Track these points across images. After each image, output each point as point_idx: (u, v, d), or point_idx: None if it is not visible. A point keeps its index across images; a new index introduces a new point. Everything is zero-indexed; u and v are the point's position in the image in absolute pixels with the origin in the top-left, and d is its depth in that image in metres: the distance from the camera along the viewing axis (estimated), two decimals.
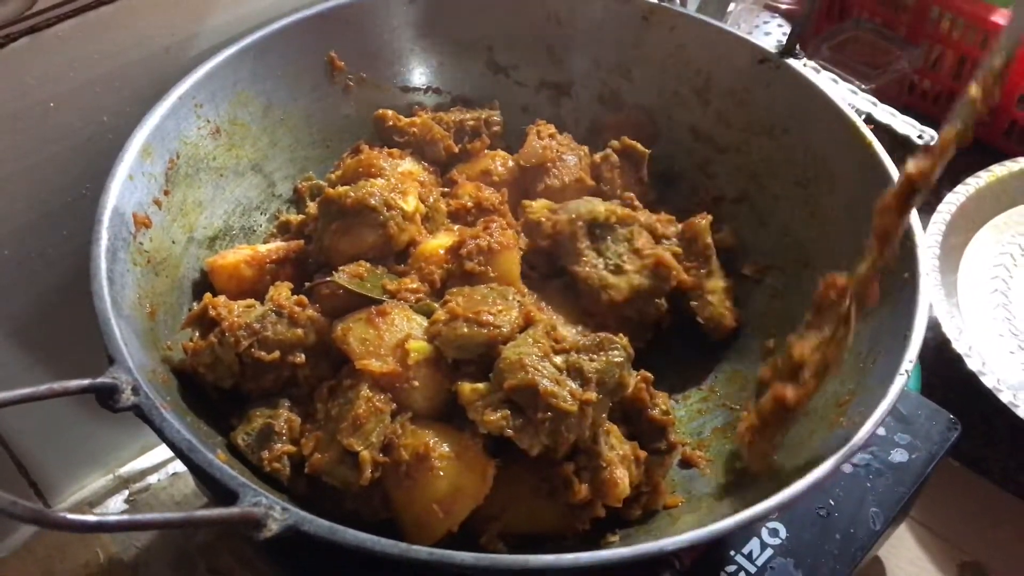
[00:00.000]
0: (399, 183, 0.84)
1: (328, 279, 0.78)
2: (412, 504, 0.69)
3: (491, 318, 0.72)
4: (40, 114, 0.82)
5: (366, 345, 0.72)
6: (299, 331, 0.75)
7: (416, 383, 0.72)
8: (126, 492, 1.11)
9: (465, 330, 0.72)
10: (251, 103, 0.93)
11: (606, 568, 0.59)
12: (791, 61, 0.93)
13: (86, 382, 0.61)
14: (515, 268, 0.82)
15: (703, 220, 0.91)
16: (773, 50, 0.94)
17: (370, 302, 0.76)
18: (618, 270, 0.85)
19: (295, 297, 0.77)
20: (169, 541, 1.06)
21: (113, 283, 0.71)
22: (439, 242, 0.85)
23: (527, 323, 0.74)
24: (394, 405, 0.72)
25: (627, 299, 0.85)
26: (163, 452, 1.14)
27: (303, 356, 0.75)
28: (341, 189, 0.82)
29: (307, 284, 0.80)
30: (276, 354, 0.74)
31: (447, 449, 0.69)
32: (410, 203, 0.83)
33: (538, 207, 0.89)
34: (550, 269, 0.88)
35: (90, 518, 0.49)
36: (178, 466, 1.14)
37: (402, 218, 0.82)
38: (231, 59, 0.90)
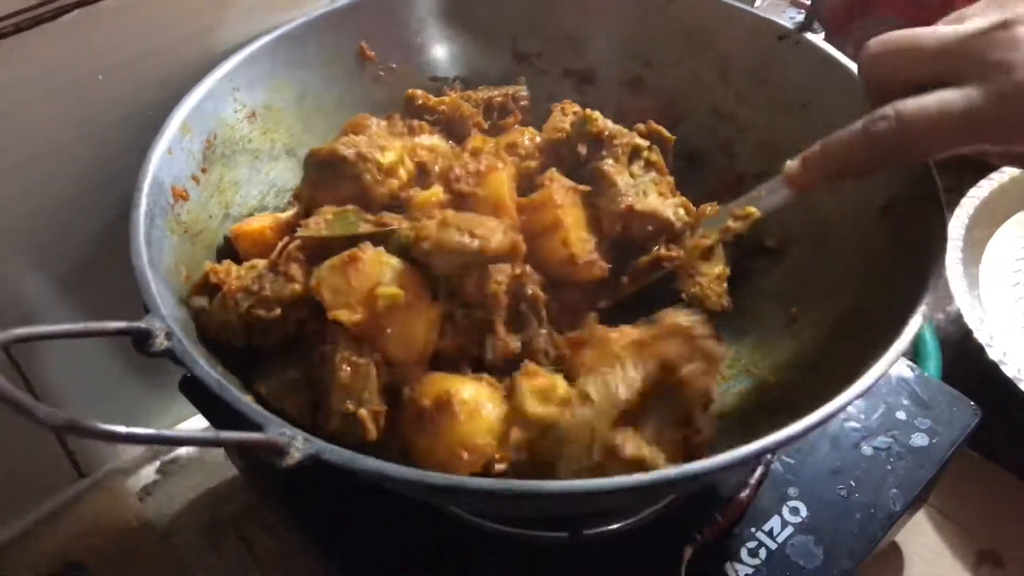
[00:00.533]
0: (379, 139, 0.85)
1: (297, 231, 0.78)
2: (436, 450, 0.70)
3: (484, 232, 0.73)
4: (90, 85, 0.85)
5: (337, 295, 0.71)
6: (295, 286, 0.75)
7: (389, 331, 0.71)
8: (157, 463, 1.14)
9: (456, 238, 0.72)
10: (286, 90, 0.97)
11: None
12: (809, 35, 0.94)
13: (123, 324, 0.64)
14: (504, 188, 0.82)
15: (710, 207, 0.92)
16: (791, 26, 0.95)
17: (345, 246, 0.75)
18: (643, 193, 0.86)
19: (288, 250, 0.77)
20: (200, 511, 1.08)
21: (150, 245, 0.74)
22: (433, 191, 0.85)
23: (513, 250, 0.75)
24: (378, 356, 0.72)
25: (644, 213, 0.85)
26: (193, 424, 1.16)
27: (305, 311, 0.75)
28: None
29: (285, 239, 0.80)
30: (277, 311, 0.75)
31: (469, 394, 0.70)
32: (387, 156, 0.83)
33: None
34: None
35: (120, 429, 0.52)
36: None
37: (378, 170, 0.82)
38: (268, 46, 0.94)
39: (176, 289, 0.76)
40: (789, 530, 0.86)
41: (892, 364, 0.65)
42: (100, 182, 0.91)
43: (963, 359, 1.10)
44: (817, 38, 0.94)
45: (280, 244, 0.80)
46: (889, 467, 0.90)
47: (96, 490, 1.07)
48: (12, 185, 0.85)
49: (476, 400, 0.70)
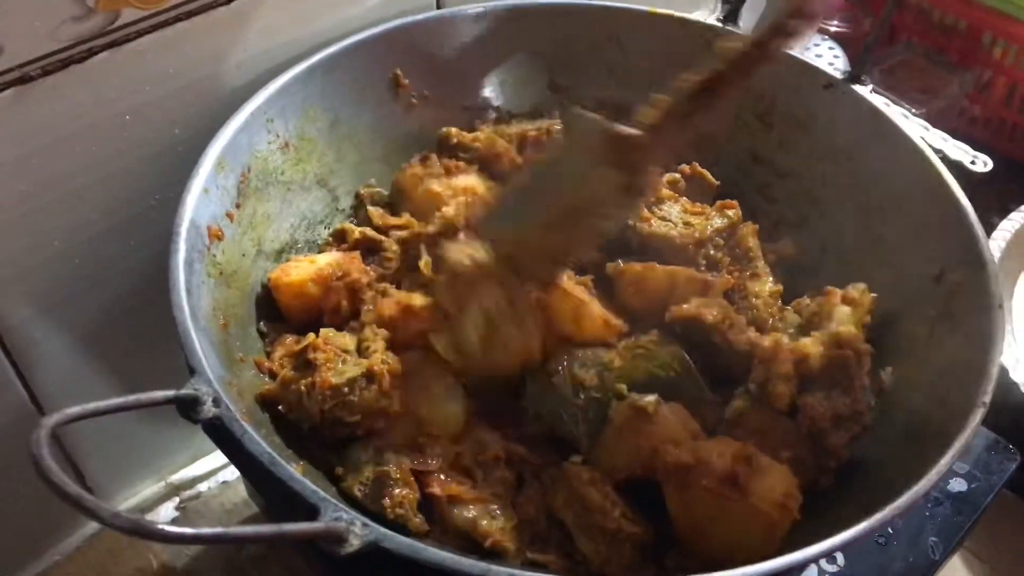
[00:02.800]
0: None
1: None
2: None
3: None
4: (118, 126, 0.83)
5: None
6: (384, 402, 0.75)
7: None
8: (177, 499, 1.12)
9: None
10: (319, 119, 0.94)
11: None
12: (856, 87, 0.93)
13: (171, 393, 0.62)
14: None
15: (747, 226, 0.92)
16: (839, 75, 0.94)
17: None
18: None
19: (387, 364, 0.76)
20: (220, 551, 1.06)
21: (191, 294, 0.72)
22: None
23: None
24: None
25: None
26: (213, 461, 1.15)
27: (383, 423, 0.75)
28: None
29: None
30: (357, 417, 0.75)
31: None
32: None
33: None
34: None
35: (188, 530, 0.50)
36: (228, 475, 1.15)
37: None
38: (301, 75, 0.91)
39: (216, 340, 0.74)
40: None
41: (953, 462, 0.65)
42: (125, 223, 0.89)
43: (997, 396, 1.09)
44: (864, 89, 0.92)
45: (379, 339, 0.79)
46: (927, 514, 0.90)
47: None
48: (39, 229, 0.83)
49: None
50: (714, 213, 0.93)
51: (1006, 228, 1.23)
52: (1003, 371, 1.07)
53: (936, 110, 1.48)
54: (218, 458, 1.14)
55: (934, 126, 1.37)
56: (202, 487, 1.14)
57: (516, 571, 0.58)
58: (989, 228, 1.24)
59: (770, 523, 0.68)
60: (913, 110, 1.44)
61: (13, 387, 0.89)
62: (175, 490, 1.13)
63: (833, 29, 1.55)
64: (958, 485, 0.92)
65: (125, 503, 1.08)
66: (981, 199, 1.45)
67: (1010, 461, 0.94)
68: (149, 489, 1.12)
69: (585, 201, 0.76)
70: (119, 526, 0.48)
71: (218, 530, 0.52)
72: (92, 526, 1.07)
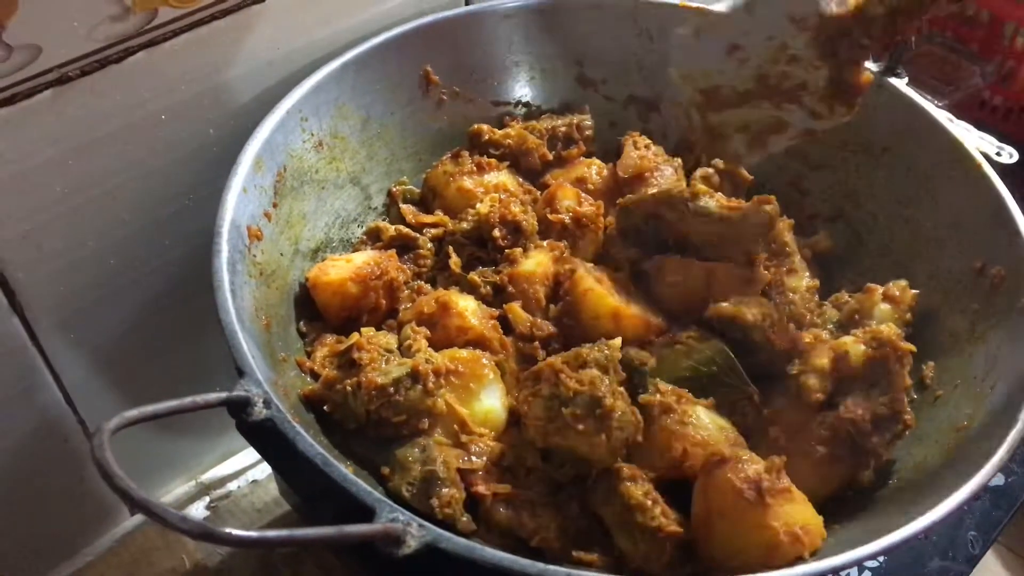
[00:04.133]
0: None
1: None
2: None
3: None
4: (153, 125, 0.83)
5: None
6: (429, 401, 0.75)
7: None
8: (207, 499, 1.12)
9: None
10: (351, 116, 0.94)
11: None
12: (893, 80, 0.92)
13: (223, 396, 0.62)
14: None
15: (782, 221, 0.92)
16: (875, 68, 0.93)
17: None
18: None
19: (431, 363, 0.76)
20: (252, 551, 1.06)
21: (235, 295, 0.72)
22: (536, 261, 0.87)
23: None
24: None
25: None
26: (243, 459, 1.15)
27: (427, 423, 0.75)
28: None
29: None
30: (403, 417, 0.74)
31: None
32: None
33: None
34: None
35: (253, 534, 0.49)
36: (258, 473, 1.14)
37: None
38: (334, 73, 0.91)
39: (260, 341, 0.74)
40: (867, 575, 0.86)
41: (1007, 457, 0.64)
42: (159, 222, 0.89)
43: None
44: (900, 82, 0.92)
45: (420, 338, 0.79)
46: (966, 507, 0.89)
47: (148, 528, 1.04)
48: (76, 228, 0.83)
49: None
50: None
51: None
52: None
53: (958, 101, 1.47)
54: (247, 457, 1.14)
55: (956, 117, 1.38)
56: (232, 486, 1.14)
57: (573, 571, 0.57)
58: None
59: (774, 544, 0.66)
60: (936, 101, 1.44)
61: (49, 388, 0.89)
62: (205, 489, 1.13)
63: None
64: (995, 479, 0.92)
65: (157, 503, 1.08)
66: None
67: None
68: (180, 488, 1.12)
69: (786, 80, 0.74)
70: (187, 530, 0.48)
71: (284, 533, 0.51)
72: (124, 526, 1.07)
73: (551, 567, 0.58)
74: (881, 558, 0.87)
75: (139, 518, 1.07)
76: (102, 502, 1.04)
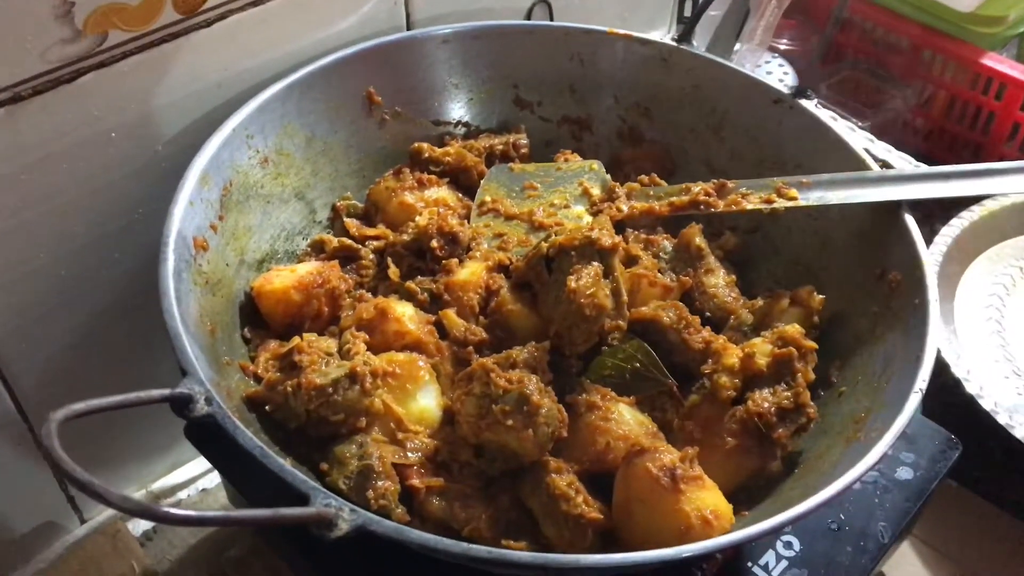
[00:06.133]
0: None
1: None
2: None
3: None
4: (104, 143, 0.87)
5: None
6: (366, 401, 0.79)
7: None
8: None
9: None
10: (296, 135, 0.99)
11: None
12: (803, 101, 0.99)
13: (166, 392, 0.66)
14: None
15: (692, 227, 0.99)
16: (786, 91, 1.00)
17: None
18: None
19: (369, 365, 0.80)
20: (202, 556, 1.09)
21: (180, 302, 0.76)
22: (470, 271, 0.91)
23: None
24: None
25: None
26: (192, 469, 1.17)
27: (365, 421, 0.79)
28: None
29: None
30: (341, 416, 0.78)
31: None
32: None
33: None
34: None
35: (193, 513, 0.54)
36: (207, 482, 1.17)
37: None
38: (280, 94, 0.95)
39: (204, 345, 0.78)
40: (784, 564, 0.90)
41: (892, 442, 0.70)
42: (110, 235, 0.92)
43: (942, 393, 1.15)
44: (810, 104, 0.99)
45: (359, 342, 0.83)
46: (877, 500, 0.95)
47: (97, 535, 1.06)
48: (26, 242, 0.86)
49: None
50: (663, 239, 1.00)
51: (946, 234, 1.30)
52: (946, 367, 1.14)
53: (881, 123, 1.56)
54: (197, 466, 1.17)
55: (879, 138, 1.46)
56: (182, 495, 1.17)
57: (494, 550, 0.62)
58: (932, 235, 1.32)
59: (687, 527, 0.71)
60: (859, 123, 1.52)
61: (0, 397, 0.92)
62: (156, 498, 1.15)
63: (783, 47, 1.63)
64: (905, 473, 0.98)
65: (107, 512, 1.10)
66: (924, 206, 1.53)
67: (953, 451, 1.00)
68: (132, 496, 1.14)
69: None
70: (128, 509, 0.52)
71: (220, 513, 0.56)
72: (75, 534, 1.09)
73: (474, 546, 0.62)
74: (797, 548, 0.92)
75: (89, 526, 1.10)
76: (53, 510, 1.06)
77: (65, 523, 1.08)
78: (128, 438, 1.08)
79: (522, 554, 0.62)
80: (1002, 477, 1.16)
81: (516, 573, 0.64)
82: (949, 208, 1.35)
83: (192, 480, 1.18)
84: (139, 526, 1.11)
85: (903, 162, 1.42)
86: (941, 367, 1.14)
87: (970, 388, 1.10)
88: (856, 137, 1.39)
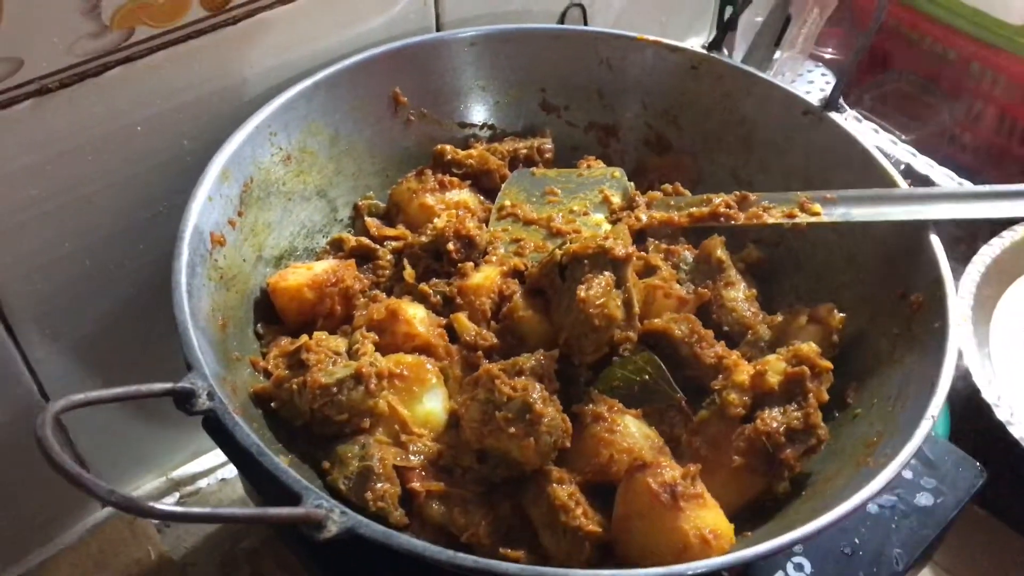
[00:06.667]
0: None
1: None
2: None
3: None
4: (129, 136, 0.89)
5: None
6: (371, 402, 0.79)
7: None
8: (177, 494, 1.17)
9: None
10: (320, 133, 0.99)
11: None
12: (833, 114, 0.97)
13: (168, 386, 0.67)
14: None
15: (713, 239, 0.97)
16: (817, 103, 0.98)
17: None
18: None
19: (375, 366, 0.80)
20: (216, 544, 1.11)
21: (191, 295, 0.77)
22: (484, 275, 0.91)
23: None
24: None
25: None
26: (213, 458, 1.19)
27: (369, 422, 0.79)
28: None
29: None
30: (345, 416, 0.79)
31: None
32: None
33: None
34: None
35: (176, 508, 0.54)
36: (227, 472, 1.19)
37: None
38: (305, 92, 0.96)
39: (214, 340, 0.79)
40: None
41: (899, 470, 0.68)
42: (134, 228, 0.94)
43: (971, 416, 1.12)
44: (839, 117, 0.97)
45: (367, 342, 0.83)
46: (894, 525, 0.92)
47: (116, 520, 1.09)
48: (51, 231, 0.88)
49: None
50: (684, 250, 0.98)
51: (986, 254, 1.26)
52: (976, 391, 1.10)
53: (925, 137, 1.52)
54: (218, 456, 1.18)
55: (923, 152, 1.42)
56: (201, 483, 1.19)
57: (481, 559, 0.62)
58: (972, 254, 1.28)
59: (685, 545, 0.70)
60: (902, 136, 1.48)
61: (23, 380, 0.94)
62: (175, 485, 1.17)
63: (827, 56, 1.59)
64: (925, 499, 0.95)
65: None
66: (967, 224, 1.49)
67: (977, 478, 0.97)
68: (151, 484, 1.16)
69: None
70: (114, 502, 0.52)
71: (206, 509, 0.56)
72: (95, 518, 1.12)
73: (460, 555, 0.62)
74: (808, 571, 0.90)
75: (109, 511, 1.12)
76: (75, 493, 1.08)
77: (86, 507, 1.11)
78: (151, 424, 1.11)
79: (509, 565, 0.61)
80: None
81: None
82: (996, 227, 1.31)
83: (213, 469, 1.19)
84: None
85: (945, 178, 1.38)
86: (972, 391, 1.11)
87: (1000, 414, 1.07)
88: (888, 152, 1.35)
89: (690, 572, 0.65)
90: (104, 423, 1.05)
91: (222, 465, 1.19)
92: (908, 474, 0.97)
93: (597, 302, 0.81)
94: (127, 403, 1.05)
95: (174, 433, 1.14)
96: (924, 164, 1.40)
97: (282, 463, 0.66)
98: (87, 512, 1.11)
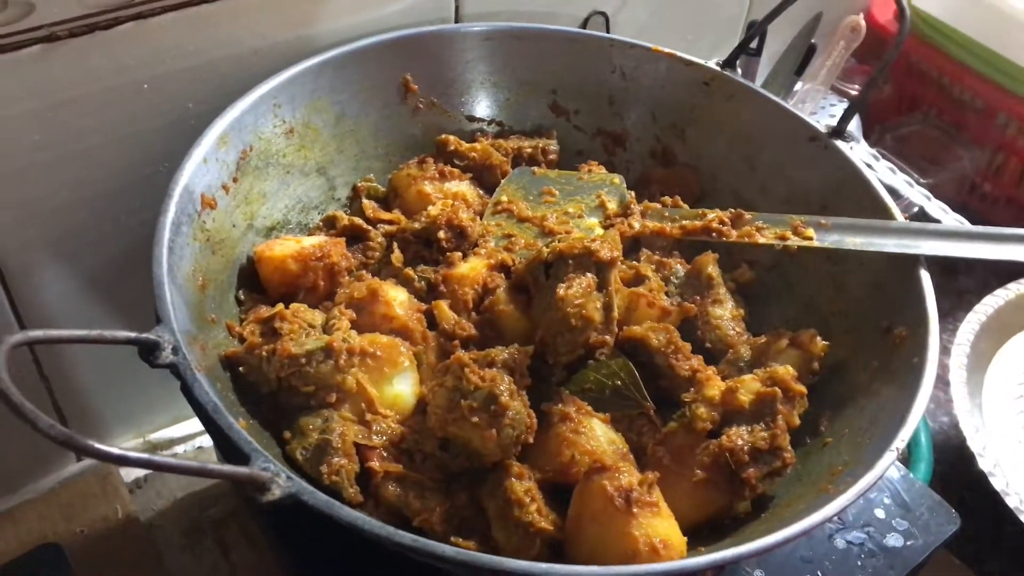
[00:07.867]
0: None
1: None
2: None
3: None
4: (134, 93, 0.90)
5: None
6: (339, 377, 0.79)
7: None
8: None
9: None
10: (326, 111, 1.00)
11: None
12: (838, 143, 0.96)
13: (132, 335, 0.67)
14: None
15: (707, 255, 0.96)
16: (824, 130, 0.97)
17: None
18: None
19: (347, 342, 0.80)
20: (184, 511, 1.11)
21: (172, 252, 0.77)
22: (470, 265, 0.91)
23: None
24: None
25: None
26: (193, 425, 1.20)
27: (335, 396, 0.79)
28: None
29: None
30: (311, 388, 0.78)
31: None
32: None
33: None
34: None
35: (113, 450, 0.54)
36: (205, 440, 1.20)
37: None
38: (314, 68, 0.97)
39: (191, 299, 0.79)
40: None
41: (855, 499, 0.67)
42: (133, 184, 0.95)
43: (957, 464, 1.11)
44: (845, 145, 0.96)
45: (344, 319, 0.83)
46: (860, 563, 0.91)
47: (89, 476, 1.10)
48: (49, 178, 0.89)
49: None
50: (677, 264, 0.98)
51: (989, 304, 1.25)
52: (963, 440, 1.09)
53: (944, 182, 1.51)
54: (197, 424, 1.19)
55: (940, 197, 1.40)
56: (178, 449, 1.19)
57: (419, 539, 0.61)
58: (976, 301, 1.27)
59: (633, 552, 0.69)
60: (920, 179, 1.47)
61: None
62: (152, 448, 1.18)
63: (853, 92, 1.58)
64: (894, 540, 0.94)
65: None
66: (979, 274, 1.47)
67: (950, 524, 0.95)
68: (128, 443, 1.17)
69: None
70: (53, 436, 0.52)
71: (144, 455, 0.56)
72: (69, 470, 1.12)
73: (399, 532, 0.61)
74: None
75: (82, 465, 1.13)
76: (49, 445, 1.08)
77: (60, 459, 1.11)
78: (134, 385, 1.11)
79: (445, 547, 0.61)
80: (1008, 561, 1.11)
81: (441, 566, 0.63)
82: (1004, 278, 1.30)
83: (192, 436, 1.20)
84: (131, 473, 1.14)
85: (955, 224, 1.36)
86: (960, 439, 1.09)
87: (983, 464, 1.06)
88: (903, 192, 1.34)
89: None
90: (87, 380, 1.06)
91: (201, 433, 1.20)
92: (881, 513, 0.95)
93: (576, 301, 0.81)
94: (112, 360, 1.05)
95: (156, 396, 1.15)
96: (937, 208, 1.39)
97: (237, 424, 0.66)
98: (61, 465, 1.12)
